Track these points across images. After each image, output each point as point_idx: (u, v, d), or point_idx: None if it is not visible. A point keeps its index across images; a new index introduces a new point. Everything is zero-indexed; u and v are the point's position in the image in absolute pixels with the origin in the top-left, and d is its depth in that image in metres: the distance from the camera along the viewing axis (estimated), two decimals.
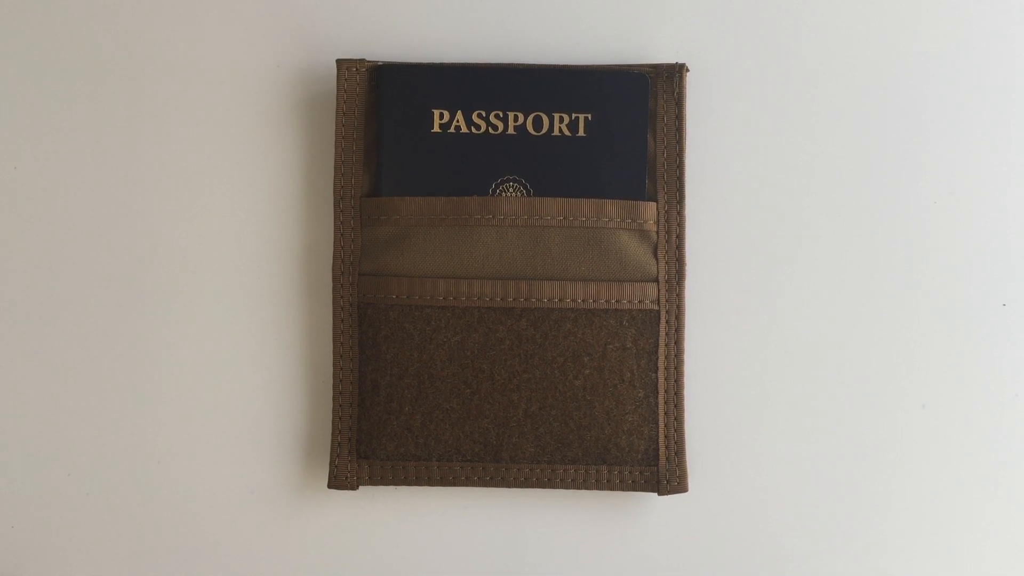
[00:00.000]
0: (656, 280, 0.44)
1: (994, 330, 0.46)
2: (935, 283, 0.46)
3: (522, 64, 0.44)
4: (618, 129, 0.44)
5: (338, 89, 0.44)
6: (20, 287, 0.46)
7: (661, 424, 0.44)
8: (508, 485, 0.44)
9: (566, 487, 0.44)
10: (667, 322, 0.44)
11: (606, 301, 0.44)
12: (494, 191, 0.44)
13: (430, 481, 0.44)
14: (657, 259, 0.44)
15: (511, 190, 0.44)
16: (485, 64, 0.44)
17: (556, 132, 0.44)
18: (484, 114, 0.44)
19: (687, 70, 0.45)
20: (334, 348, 0.44)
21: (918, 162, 0.46)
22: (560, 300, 0.44)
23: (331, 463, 0.44)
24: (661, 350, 0.44)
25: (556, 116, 0.44)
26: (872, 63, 0.46)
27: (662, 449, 0.44)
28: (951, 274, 0.46)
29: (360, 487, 0.44)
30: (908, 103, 0.46)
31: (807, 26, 0.46)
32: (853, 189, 0.46)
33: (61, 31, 0.46)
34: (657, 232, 0.44)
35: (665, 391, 0.44)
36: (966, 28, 0.46)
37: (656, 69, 0.45)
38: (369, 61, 0.44)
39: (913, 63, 0.46)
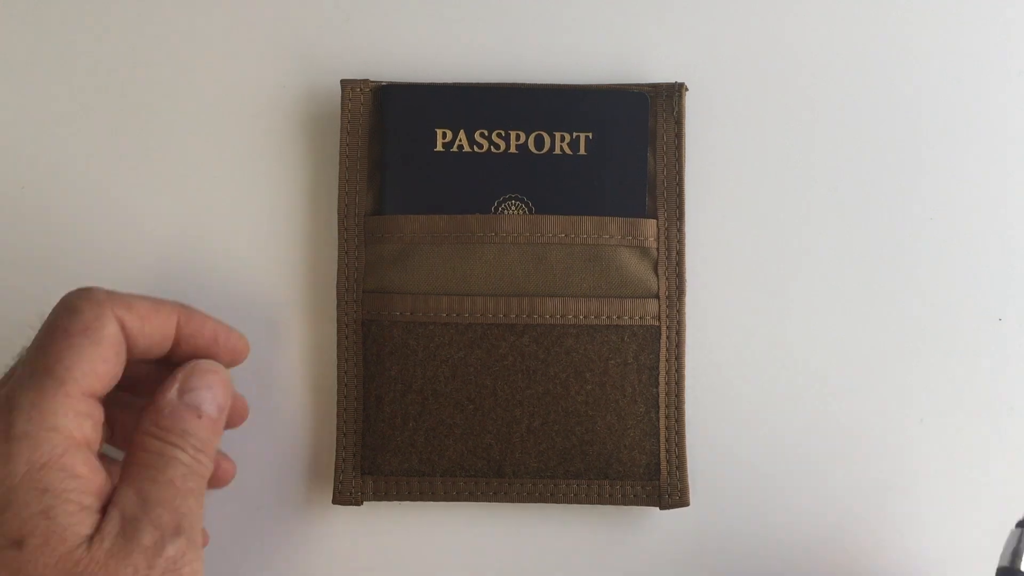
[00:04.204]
0: (657, 296, 0.45)
1: (990, 344, 0.46)
2: (932, 299, 0.46)
3: (524, 84, 0.45)
4: (618, 147, 0.45)
5: (342, 109, 0.45)
6: (28, 302, 0.46)
7: (662, 439, 0.44)
8: (511, 500, 0.44)
9: (568, 502, 0.44)
10: (668, 338, 0.45)
11: (607, 317, 0.44)
12: (496, 209, 0.45)
13: (434, 496, 0.44)
14: (658, 275, 0.45)
15: (513, 208, 0.45)
16: (487, 84, 0.45)
17: (557, 151, 0.45)
18: (486, 133, 0.45)
19: (686, 89, 0.45)
20: (338, 364, 0.45)
21: (915, 176, 0.47)
22: (562, 316, 0.44)
23: (335, 479, 0.44)
24: (662, 365, 0.44)
25: (557, 135, 0.45)
26: (870, 81, 0.47)
27: (663, 464, 0.44)
28: (947, 290, 0.46)
29: (364, 503, 0.45)
30: (905, 120, 0.47)
31: (806, 46, 0.47)
32: (852, 206, 0.46)
33: (65, 50, 0.47)
34: (657, 249, 0.45)
35: (666, 406, 0.45)
36: (968, 46, 0.47)
37: (656, 88, 0.45)
38: (373, 81, 0.45)
39: (911, 81, 0.47)
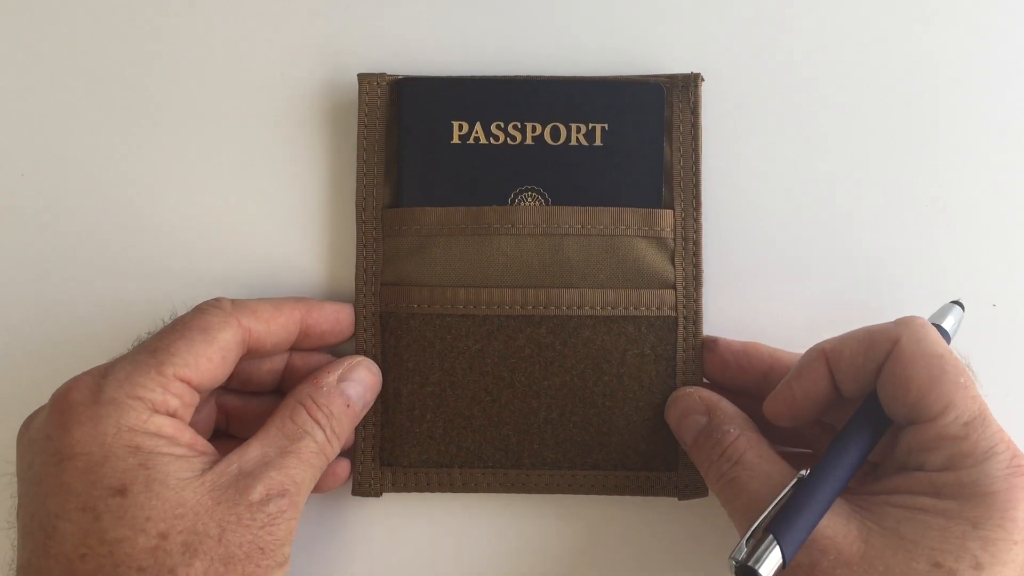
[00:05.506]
0: (674, 287, 0.45)
1: (984, 330, 0.46)
2: (927, 284, 0.46)
3: (539, 76, 0.45)
4: (634, 138, 0.45)
5: (359, 103, 0.45)
6: (29, 305, 0.46)
7: None
8: (529, 491, 0.44)
9: (586, 492, 0.44)
10: (684, 328, 0.45)
11: (624, 308, 0.44)
12: (513, 201, 0.45)
13: (452, 488, 0.44)
14: (674, 266, 0.45)
15: (529, 200, 0.45)
16: (503, 76, 0.45)
17: (573, 142, 0.45)
18: (502, 125, 0.45)
19: (702, 80, 0.45)
20: None
21: (917, 165, 0.46)
22: (579, 307, 0.44)
23: (355, 471, 0.45)
24: (679, 356, 0.44)
25: (573, 126, 0.45)
26: (886, 70, 0.47)
27: (682, 454, 0.44)
28: (942, 275, 0.46)
29: (384, 494, 0.45)
30: (919, 110, 0.47)
31: (821, 35, 0.47)
32: (867, 194, 0.46)
33: (77, 41, 0.47)
34: (674, 239, 0.45)
35: None
36: (981, 40, 0.47)
37: (672, 79, 0.45)
38: (390, 75, 0.45)
39: (927, 71, 0.47)
